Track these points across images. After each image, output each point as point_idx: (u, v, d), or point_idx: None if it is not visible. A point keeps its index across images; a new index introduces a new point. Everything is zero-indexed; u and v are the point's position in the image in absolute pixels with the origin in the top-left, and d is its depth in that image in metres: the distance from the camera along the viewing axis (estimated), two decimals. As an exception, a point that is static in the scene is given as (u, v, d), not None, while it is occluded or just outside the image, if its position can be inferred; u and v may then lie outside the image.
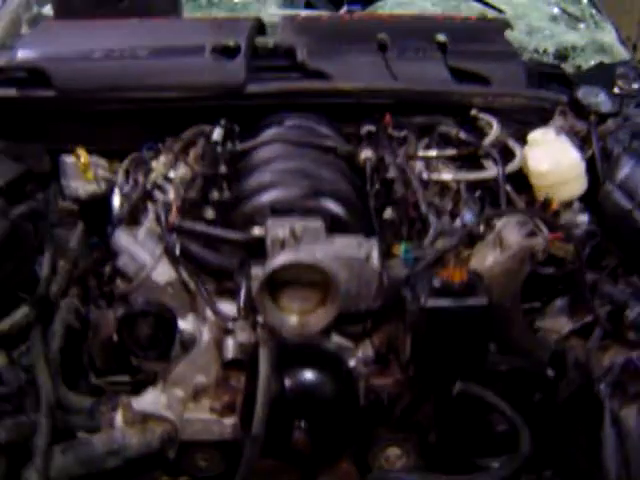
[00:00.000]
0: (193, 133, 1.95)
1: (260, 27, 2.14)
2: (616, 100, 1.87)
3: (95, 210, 1.55)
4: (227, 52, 1.98)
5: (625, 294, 1.48)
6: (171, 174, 1.79)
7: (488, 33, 2.11)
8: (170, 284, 1.51)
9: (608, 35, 2.45)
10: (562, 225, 1.49)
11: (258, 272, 1.35)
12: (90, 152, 2.05)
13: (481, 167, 1.79)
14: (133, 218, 1.67)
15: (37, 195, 1.90)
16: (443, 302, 1.26)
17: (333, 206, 1.50)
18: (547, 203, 1.52)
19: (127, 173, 1.93)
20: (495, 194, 1.70)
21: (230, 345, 1.39)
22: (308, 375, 1.38)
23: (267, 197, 1.52)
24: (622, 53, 2.39)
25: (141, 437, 1.43)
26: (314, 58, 1.97)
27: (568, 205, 1.70)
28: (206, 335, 1.45)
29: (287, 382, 1.36)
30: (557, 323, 1.59)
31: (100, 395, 1.55)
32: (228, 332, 1.41)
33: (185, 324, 1.46)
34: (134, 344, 1.39)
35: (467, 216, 1.51)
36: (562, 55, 2.27)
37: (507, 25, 2.14)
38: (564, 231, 1.44)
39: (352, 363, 1.45)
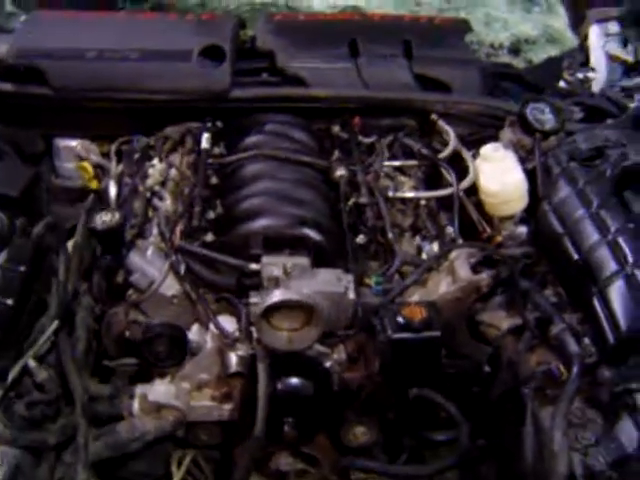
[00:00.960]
0: (180, 132, 2.17)
1: (242, 23, 2.30)
2: (560, 116, 2.12)
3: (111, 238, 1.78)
4: (213, 56, 2.16)
5: (551, 307, 1.79)
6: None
7: (450, 37, 2.32)
8: (175, 296, 1.79)
9: (559, 21, 2.66)
10: (502, 255, 1.78)
11: (255, 301, 1.64)
12: (81, 137, 2.27)
13: (438, 173, 2.08)
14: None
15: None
16: (405, 335, 1.58)
17: (315, 235, 1.78)
18: (490, 238, 1.82)
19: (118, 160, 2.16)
20: (450, 203, 1.99)
21: (233, 360, 1.69)
22: (294, 380, 1.71)
23: (259, 224, 1.79)
24: (571, 40, 2.62)
25: (157, 424, 1.75)
26: (292, 63, 2.17)
27: (510, 218, 2.01)
28: (209, 344, 1.75)
29: (279, 386, 1.68)
30: (495, 318, 1.91)
31: (110, 374, 1.85)
32: (229, 347, 1.71)
33: (191, 334, 1.76)
34: (154, 358, 1.68)
35: (427, 248, 1.80)
36: (516, 49, 2.50)
37: (467, 28, 2.34)
38: (503, 260, 1.75)
39: (328, 364, 1.78)
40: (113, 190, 2.12)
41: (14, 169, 2.09)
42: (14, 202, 1.89)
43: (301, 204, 1.86)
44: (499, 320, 1.90)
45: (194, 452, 1.89)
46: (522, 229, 1.99)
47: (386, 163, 2.04)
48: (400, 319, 1.59)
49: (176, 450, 1.89)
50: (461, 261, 1.73)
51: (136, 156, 2.15)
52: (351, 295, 1.66)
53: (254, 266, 1.69)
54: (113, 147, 2.25)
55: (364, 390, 1.81)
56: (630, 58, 2.54)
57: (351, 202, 1.92)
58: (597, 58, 2.64)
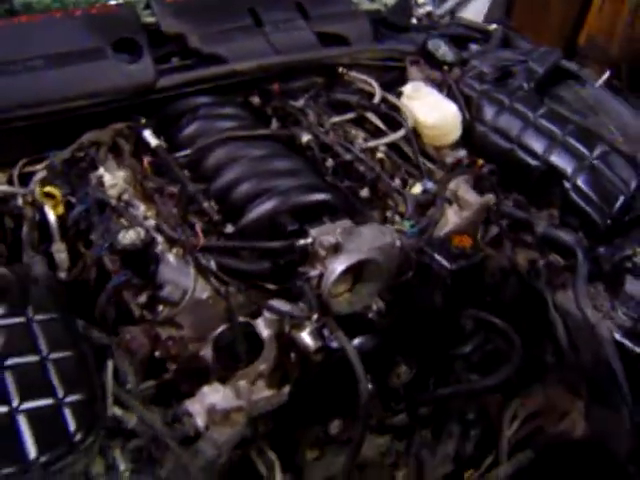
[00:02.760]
0: (110, 136, 2.01)
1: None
2: (454, 49, 2.34)
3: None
4: (126, 49, 2.01)
5: (521, 212, 2.02)
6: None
7: None
8: (210, 297, 1.71)
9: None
10: (486, 177, 1.97)
11: (316, 273, 1.65)
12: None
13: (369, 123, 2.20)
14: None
15: None
16: (462, 263, 1.71)
17: (327, 197, 1.80)
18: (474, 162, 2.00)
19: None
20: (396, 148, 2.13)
21: (309, 338, 1.67)
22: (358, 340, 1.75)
23: (272, 204, 1.76)
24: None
25: (233, 430, 1.69)
26: (205, 43, 2.11)
27: (448, 146, 2.20)
28: (265, 332, 1.71)
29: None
30: None
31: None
32: (295, 327, 1.68)
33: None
34: (234, 360, 1.62)
35: (429, 184, 1.92)
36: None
37: None
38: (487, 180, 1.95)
39: (370, 316, 1.83)
40: (52, 216, 1.90)
41: None
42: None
43: (293, 174, 1.86)
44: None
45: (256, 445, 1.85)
46: (462, 152, 2.19)
47: (335, 119, 2.10)
48: (454, 250, 1.71)
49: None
50: (464, 188, 1.88)
51: (64, 171, 1.94)
52: (398, 243, 1.73)
53: (304, 241, 1.67)
54: (16, 171, 2.00)
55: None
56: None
57: (329, 162, 1.95)
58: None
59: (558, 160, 2.02)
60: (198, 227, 1.71)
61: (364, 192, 1.91)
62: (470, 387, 1.93)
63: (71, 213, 1.86)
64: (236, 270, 1.72)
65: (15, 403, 1.31)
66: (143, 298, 1.68)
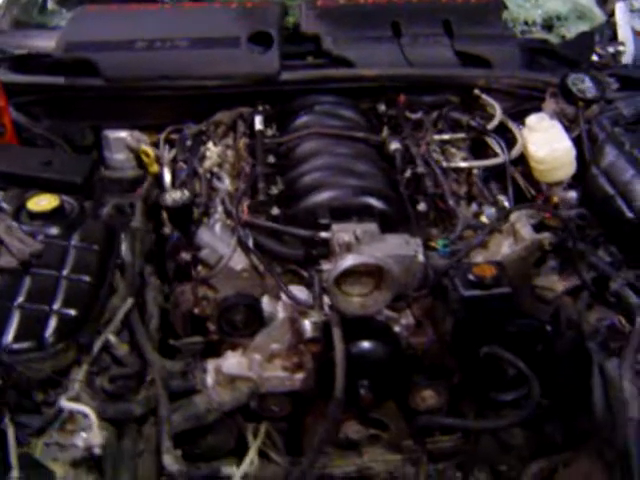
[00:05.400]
0: (232, 117, 2.23)
1: (285, 11, 2.37)
2: (599, 85, 2.19)
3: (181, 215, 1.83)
4: (261, 41, 2.22)
5: (607, 266, 1.84)
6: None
7: (487, 15, 2.38)
8: (245, 270, 1.84)
9: (586, -3, 2.74)
10: (559, 215, 1.84)
11: (327, 267, 1.69)
12: (130, 128, 2.33)
13: (483, 145, 2.14)
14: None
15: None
16: (477, 292, 1.64)
17: (378, 203, 1.84)
18: (548, 199, 1.88)
19: (170, 148, 2.22)
20: (502, 174, 2.05)
21: (308, 326, 1.74)
22: (366, 344, 1.75)
23: (323, 196, 1.84)
24: (599, 16, 2.69)
25: (232, 395, 1.81)
26: (337, 45, 2.23)
27: (559, 184, 2.07)
28: (281, 314, 1.80)
29: (352, 351, 1.73)
30: (549, 282, 1.96)
31: (173, 353, 1.90)
32: (302, 314, 1.75)
33: (263, 305, 1.81)
34: (231, 327, 1.74)
35: (488, 212, 1.86)
36: (548, 25, 2.57)
37: (503, 6, 2.41)
38: (561, 221, 1.81)
39: (397, 329, 1.83)
40: (168, 176, 2.18)
41: (72, 158, 2.15)
42: (79, 188, 1.94)
43: (362, 176, 1.92)
44: (554, 283, 1.95)
45: (268, 424, 1.94)
46: (572, 194, 2.05)
47: (436, 136, 2.10)
48: (471, 277, 1.64)
49: (248, 423, 1.93)
50: (522, 222, 1.78)
51: (188, 142, 2.21)
52: (420, 257, 1.71)
53: (324, 234, 1.73)
54: (163, 135, 2.32)
55: (430, 353, 1.86)
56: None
57: (408, 173, 1.97)
58: (624, 33, 2.70)
59: (653, 216, 1.80)
60: (245, 204, 1.85)
61: (421, 206, 1.89)
62: (465, 425, 1.82)
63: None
64: (271, 251, 1.83)
65: (18, 301, 1.57)
66: (188, 256, 1.88)
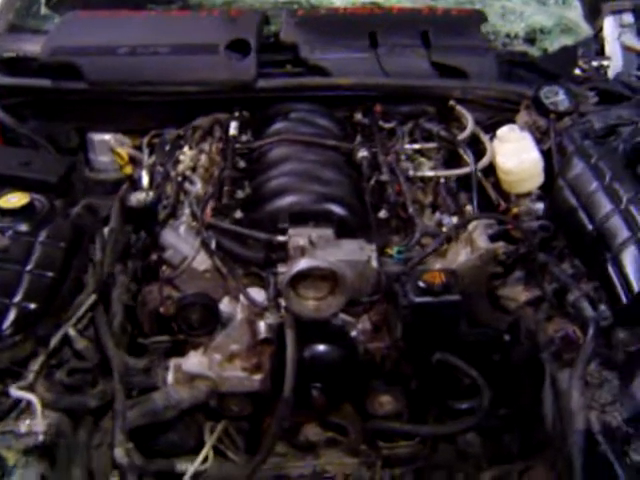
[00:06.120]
0: (210, 122, 2.28)
1: (265, 19, 2.42)
2: (573, 98, 2.19)
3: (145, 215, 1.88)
4: (239, 49, 2.27)
5: (568, 278, 1.85)
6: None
7: (466, 27, 2.41)
8: (207, 271, 1.88)
9: (574, 11, 2.74)
10: (520, 227, 1.85)
11: (283, 270, 1.73)
12: (114, 131, 2.39)
13: (457, 156, 2.16)
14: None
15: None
16: (426, 299, 1.66)
17: (338, 210, 1.87)
18: (507, 211, 1.89)
19: (150, 152, 2.28)
20: (469, 183, 2.07)
21: (262, 327, 1.77)
22: (320, 347, 1.78)
23: (286, 201, 1.88)
24: (585, 30, 2.70)
25: (191, 393, 1.84)
26: (314, 54, 2.27)
27: (527, 195, 2.08)
28: (240, 315, 1.83)
29: (306, 353, 1.76)
30: (513, 292, 1.98)
31: (142, 352, 1.93)
32: (259, 315, 1.79)
33: (222, 306, 1.85)
34: (187, 326, 1.78)
35: (447, 221, 1.88)
36: (531, 39, 2.58)
37: (483, 18, 2.44)
38: (521, 232, 1.82)
39: (354, 333, 1.85)
40: (145, 178, 2.23)
41: (52, 159, 2.21)
42: (53, 187, 2.00)
43: (326, 183, 1.95)
44: (517, 294, 1.96)
45: (226, 423, 1.97)
46: (538, 205, 2.06)
47: (407, 146, 2.13)
48: (421, 284, 1.66)
49: (208, 422, 1.97)
50: (479, 231, 1.80)
51: (167, 147, 2.26)
52: (374, 263, 1.74)
53: (281, 238, 1.77)
54: (145, 140, 2.37)
55: (388, 359, 1.89)
56: (645, 49, 2.62)
57: (373, 181, 2.00)
58: (612, 49, 2.72)
59: (611, 228, 1.80)
60: (209, 207, 1.90)
61: (382, 213, 1.92)
62: (412, 430, 1.84)
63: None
64: (232, 253, 1.87)
65: (-21, 294, 1.63)
66: (154, 256, 1.92)
